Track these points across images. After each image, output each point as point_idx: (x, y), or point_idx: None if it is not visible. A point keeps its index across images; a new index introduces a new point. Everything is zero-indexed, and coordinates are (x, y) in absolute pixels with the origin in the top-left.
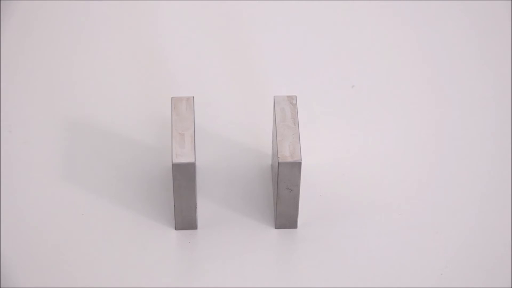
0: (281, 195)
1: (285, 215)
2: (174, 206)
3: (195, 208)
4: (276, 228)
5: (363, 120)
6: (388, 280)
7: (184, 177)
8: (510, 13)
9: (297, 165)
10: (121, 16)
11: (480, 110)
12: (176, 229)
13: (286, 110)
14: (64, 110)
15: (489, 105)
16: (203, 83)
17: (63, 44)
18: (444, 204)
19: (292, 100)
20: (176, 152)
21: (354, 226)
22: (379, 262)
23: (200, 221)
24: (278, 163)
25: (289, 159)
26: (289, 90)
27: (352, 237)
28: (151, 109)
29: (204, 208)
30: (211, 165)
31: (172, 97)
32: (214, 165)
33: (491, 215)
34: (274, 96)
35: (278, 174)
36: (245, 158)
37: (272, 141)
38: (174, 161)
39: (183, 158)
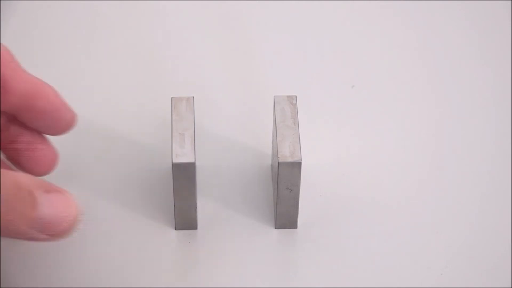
0: (281, 195)
1: (285, 215)
2: (174, 206)
3: (195, 208)
4: (276, 228)
5: (363, 120)
6: (388, 280)
7: (184, 177)
8: (510, 13)
9: (297, 165)
10: (121, 16)
11: (480, 110)
12: (176, 229)
13: (286, 110)
14: None
15: (489, 105)
16: (203, 83)
17: (63, 44)
18: (444, 204)
19: (292, 100)
20: (176, 152)
21: (354, 226)
22: (379, 262)
23: (200, 221)
24: (278, 163)
25: (289, 159)
26: (289, 90)
27: (352, 237)
28: (151, 109)
29: (204, 208)
30: (211, 165)
31: (172, 97)
32: (214, 165)
33: (491, 215)
34: (274, 96)
35: (278, 174)
36: (245, 158)
37: (272, 141)
38: (174, 161)
39: (183, 158)
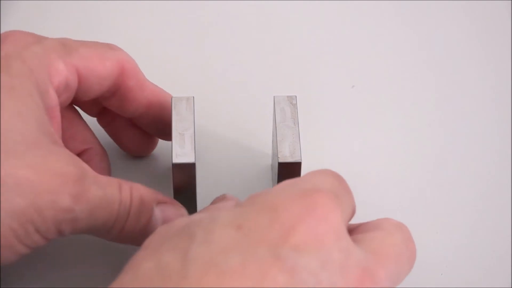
0: None
1: None
2: None
3: (195, 208)
4: None
5: (363, 120)
6: None
7: (184, 177)
8: (510, 13)
9: (297, 165)
10: (121, 16)
11: (480, 110)
12: None
13: (286, 110)
14: None
15: (489, 105)
16: (203, 83)
17: None
18: (444, 204)
19: (292, 100)
20: (176, 152)
21: None
22: None
23: None
24: (278, 163)
25: (289, 159)
26: (289, 90)
27: None
28: None
29: None
30: (211, 165)
31: (172, 97)
32: (214, 165)
33: (491, 215)
34: (274, 96)
35: (278, 174)
36: (245, 158)
37: (272, 141)
38: (174, 161)
39: (183, 158)
